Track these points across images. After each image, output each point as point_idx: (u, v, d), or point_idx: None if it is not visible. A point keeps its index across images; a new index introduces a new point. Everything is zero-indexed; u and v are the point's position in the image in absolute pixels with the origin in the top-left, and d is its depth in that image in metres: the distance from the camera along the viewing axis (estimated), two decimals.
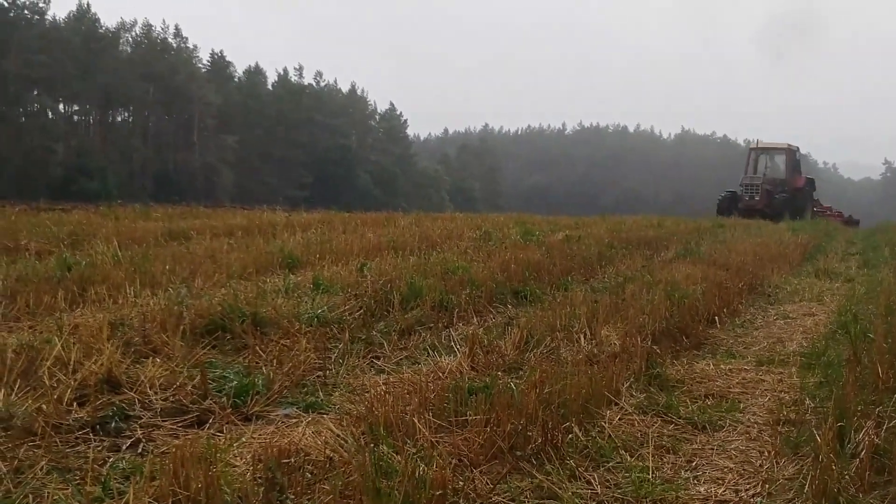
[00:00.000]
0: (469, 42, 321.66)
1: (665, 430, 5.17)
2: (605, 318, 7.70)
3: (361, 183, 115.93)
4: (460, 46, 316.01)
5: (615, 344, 6.85)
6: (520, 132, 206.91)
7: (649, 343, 6.91)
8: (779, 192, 41.30)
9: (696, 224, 24.13)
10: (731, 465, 4.62)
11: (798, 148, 44.61)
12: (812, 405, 5.70)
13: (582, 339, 7.02)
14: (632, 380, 6.06)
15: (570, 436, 4.69)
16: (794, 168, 43.56)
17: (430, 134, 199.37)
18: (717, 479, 4.44)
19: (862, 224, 42.37)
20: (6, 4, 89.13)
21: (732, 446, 4.96)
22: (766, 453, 4.77)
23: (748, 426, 5.39)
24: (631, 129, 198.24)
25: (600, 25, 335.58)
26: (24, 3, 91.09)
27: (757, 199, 40.87)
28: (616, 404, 5.49)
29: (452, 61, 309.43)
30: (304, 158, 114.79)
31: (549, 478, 4.18)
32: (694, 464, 4.64)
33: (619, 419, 5.24)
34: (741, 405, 5.88)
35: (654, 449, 4.73)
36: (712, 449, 4.90)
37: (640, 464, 4.50)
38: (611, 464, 4.48)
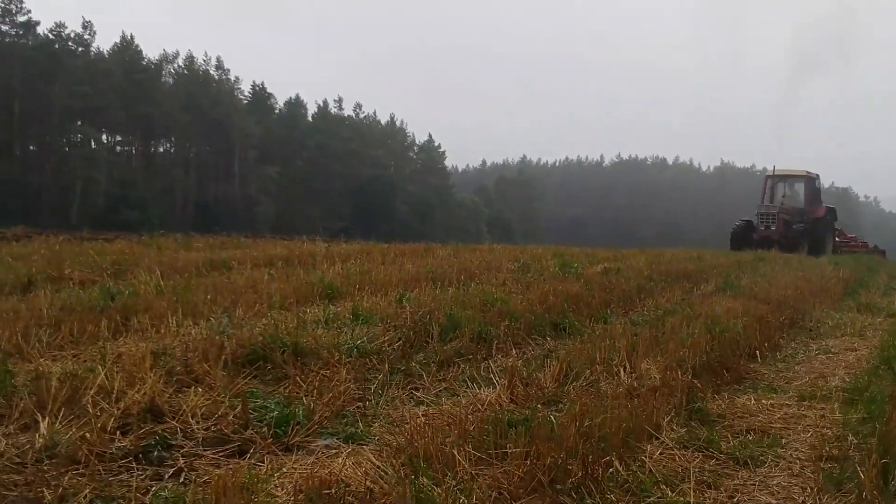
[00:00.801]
0: (507, 74, 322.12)
1: (706, 465, 5.13)
2: (645, 351, 7.65)
3: (399, 214, 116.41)
4: (499, 78, 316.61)
5: (655, 377, 6.80)
6: (558, 164, 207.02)
7: (690, 377, 6.86)
8: (797, 221, 38.89)
9: (737, 257, 23.94)
10: (774, 502, 4.58)
11: (818, 175, 42.04)
12: (855, 441, 5.64)
13: (622, 372, 6.98)
14: (672, 414, 6.02)
15: (611, 470, 4.66)
16: (813, 197, 41.03)
17: (468, 165, 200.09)
18: None
19: None
20: (52, 36, 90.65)
21: (774, 482, 4.91)
22: (809, 490, 4.72)
23: (790, 462, 5.34)
24: (670, 161, 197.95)
25: (639, 58, 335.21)
26: (70, 34, 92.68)
27: (773, 228, 38.49)
28: (657, 438, 5.46)
29: (491, 93, 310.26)
30: (343, 189, 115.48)
31: None
32: (735, 500, 4.60)
33: (660, 453, 5.21)
34: (783, 441, 5.83)
35: (696, 484, 4.69)
36: (754, 485, 4.86)
37: (682, 499, 4.47)
38: (651, 499, 4.46)
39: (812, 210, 40.05)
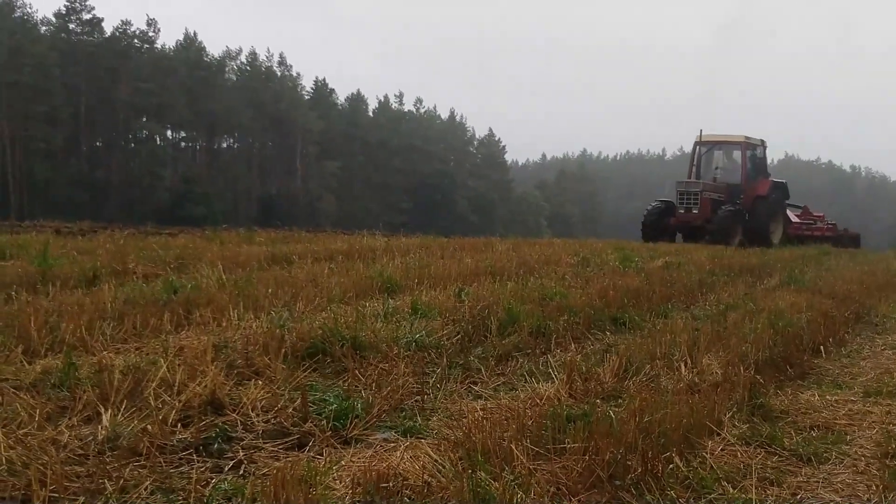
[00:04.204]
0: (567, 65, 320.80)
1: (769, 462, 5.05)
2: (707, 346, 7.56)
3: (459, 208, 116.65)
4: (559, 70, 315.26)
5: (717, 373, 6.72)
6: (618, 157, 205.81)
7: (752, 372, 6.75)
8: (728, 201, 31.21)
9: (801, 251, 23.61)
10: (838, 500, 4.49)
11: (763, 142, 33.63)
12: None
13: (682, 367, 6.90)
14: (734, 410, 5.93)
15: (671, 466, 4.60)
16: (756, 169, 32.75)
17: (527, 160, 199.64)
18: None
19: None
20: (117, 34, 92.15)
21: (839, 480, 4.82)
22: (874, 487, 4.62)
23: (855, 459, 5.24)
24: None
25: (701, 46, 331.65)
26: (135, 32, 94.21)
27: (696, 212, 30.71)
28: (718, 434, 5.39)
29: (552, 85, 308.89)
30: (403, 184, 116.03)
31: None
32: (799, 497, 4.52)
33: (721, 450, 5.14)
34: (848, 437, 5.71)
35: (758, 481, 4.62)
36: (817, 482, 4.77)
37: (743, 496, 4.40)
38: (713, 495, 4.40)
39: (752, 186, 32.02)
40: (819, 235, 33.05)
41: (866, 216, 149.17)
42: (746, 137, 32.53)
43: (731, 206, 30.67)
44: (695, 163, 32.55)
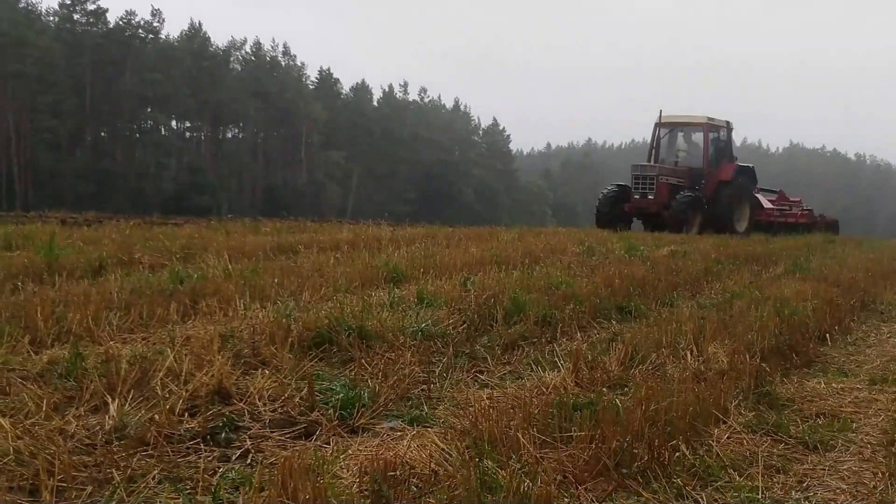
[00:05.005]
0: (570, 54, 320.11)
1: (775, 450, 5.06)
2: (713, 334, 7.56)
3: (464, 198, 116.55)
4: (562, 58, 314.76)
5: (723, 361, 6.72)
6: (623, 146, 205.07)
7: (758, 360, 6.75)
8: (688, 187, 28.95)
9: (806, 239, 23.59)
10: (844, 487, 4.50)
11: (729, 124, 31.18)
12: None
13: (688, 355, 6.90)
14: (740, 398, 5.95)
15: (678, 454, 4.61)
16: (720, 153, 30.45)
17: (532, 149, 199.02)
18: (829, 500, 4.33)
19: None
20: (122, 24, 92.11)
21: (845, 467, 4.83)
22: (881, 475, 4.62)
23: (861, 447, 5.24)
24: (738, 143, 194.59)
25: (704, 31, 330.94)
26: (139, 22, 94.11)
27: (651, 197, 28.37)
28: (724, 422, 5.39)
29: (555, 74, 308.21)
30: (408, 173, 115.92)
31: (656, 496, 4.13)
32: (805, 484, 4.53)
33: (728, 438, 5.14)
34: (854, 425, 5.72)
35: (764, 468, 4.63)
36: (824, 469, 4.77)
37: (750, 483, 4.41)
38: (719, 483, 4.41)
39: (715, 171, 29.83)
40: (793, 222, 31.24)
41: (872, 204, 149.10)
42: (709, 118, 30.45)
43: (689, 191, 28.58)
44: (655, 146, 30.46)
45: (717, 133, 30.64)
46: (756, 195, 31.76)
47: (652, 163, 29.79)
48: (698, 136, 30.69)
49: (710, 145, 30.14)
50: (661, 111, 30.02)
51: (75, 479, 3.85)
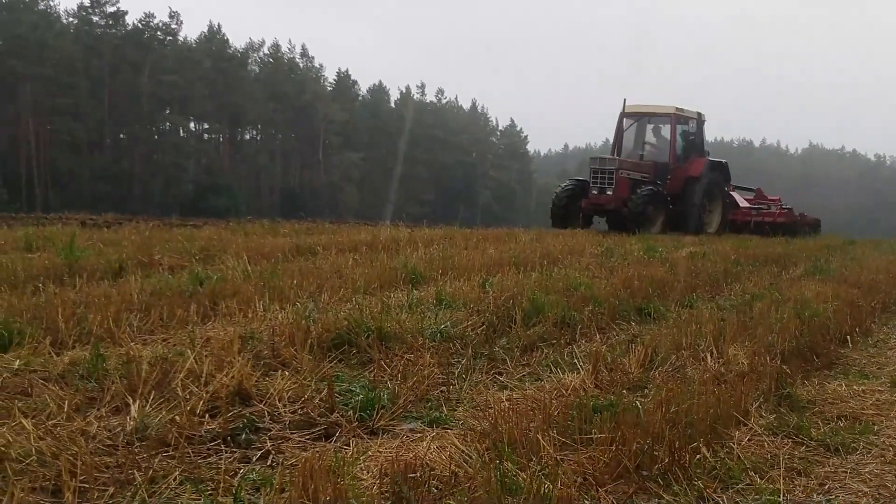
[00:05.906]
0: (586, 55, 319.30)
1: (796, 452, 5.03)
2: (733, 336, 7.53)
3: (482, 199, 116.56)
4: (578, 59, 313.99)
5: (743, 363, 6.70)
6: None
7: (779, 362, 6.73)
8: (650, 182, 26.26)
9: (826, 241, 23.46)
10: (866, 490, 4.47)
11: (700, 114, 28.53)
12: None
13: (708, 357, 6.89)
14: (761, 400, 5.92)
15: (698, 456, 4.60)
16: (689, 146, 27.92)
17: (549, 150, 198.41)
18: (851, 503, 4.30)
19: None
20: (140, 26, 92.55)
21: (867, 470, 4.80)
22: None
23: (883, 449, 5.21)
24: (756, 144, 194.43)
25: (724, 31, 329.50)
26: (158, 24, 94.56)
27: (609, 193, 25.59)
28: (745, 425, 5.37)
29: (572, 74, 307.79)
30: (425, 175, 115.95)
31: (677, 499, 4.12)
32: (826, 487, 4.50)
33: (749, 440, 5.13)
34: (875, 427, 5.69)
35: (785, 471, 4.60)
36: (845, 472, 4.75)
37: (771, 486, 4.39)
38: (740, 485, 4.39)
39: (683, 166, 27.46)
40: (770, 222, 29.02)
41: (893, 205, 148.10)
42: (678, 109, 27.67)
43: (650, 187, 25.81)
44: (618, 138, 27.96)
45: (687, 125, 28.17)
46: (731, 193, 29.98)
47: (614, 156, 27.23)
48: (667, 129, 28.08)
49: (677, 138, 27.74)
50: (625, 100, 27.65)
51: (97, 479, 3.87)
